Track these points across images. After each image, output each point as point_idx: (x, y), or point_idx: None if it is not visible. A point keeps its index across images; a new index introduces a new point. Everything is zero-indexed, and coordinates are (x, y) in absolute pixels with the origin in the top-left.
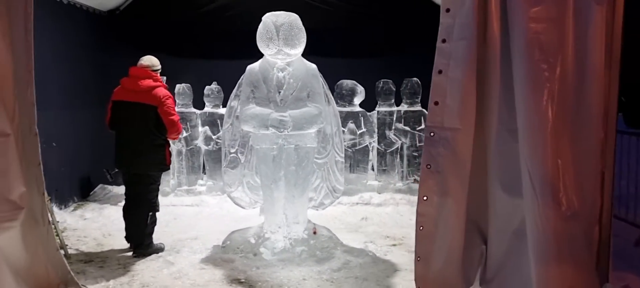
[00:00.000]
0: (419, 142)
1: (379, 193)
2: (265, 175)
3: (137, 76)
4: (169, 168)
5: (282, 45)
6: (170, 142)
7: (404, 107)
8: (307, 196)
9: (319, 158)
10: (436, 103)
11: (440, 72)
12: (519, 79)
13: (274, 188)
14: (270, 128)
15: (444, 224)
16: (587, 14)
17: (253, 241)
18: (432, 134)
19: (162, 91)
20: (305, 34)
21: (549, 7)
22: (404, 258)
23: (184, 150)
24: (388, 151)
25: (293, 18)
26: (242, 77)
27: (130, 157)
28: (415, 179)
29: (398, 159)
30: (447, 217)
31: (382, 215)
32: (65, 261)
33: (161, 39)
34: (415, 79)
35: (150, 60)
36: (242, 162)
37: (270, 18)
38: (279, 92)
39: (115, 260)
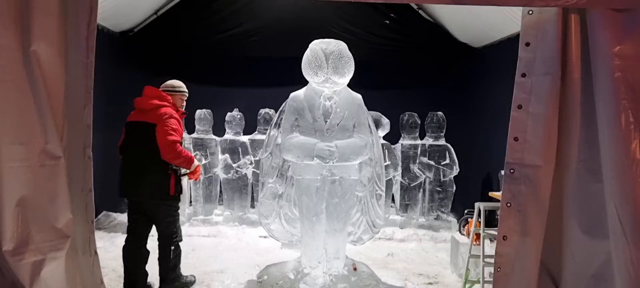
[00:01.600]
0: (443, 177)
1: (402, 229)
2: (307, 207)
3: (147, 95)
4: (173, 198)
5: (331, 74)
6: (182, 169)
7: (428, 141)
8: (347, 230)
9: (359, 191)
10: (516, 139)
11: (519, 107)
12: (605, 118)
13: (316, 221)
14: (316, 158)
15: (522, 265)
16: None
17: (292, 276)
18: (512, 171)
19: (165, 110)
20: (353, 62)
21: (634, 44)
22: None
23: (201, 177)
24: (411, 185)
25: (342, 46)
26: (283, 104)
27: (130, 183)
28: (438, 215)
29: (421, 194)
30: (525, 258)
31: (407, 251)
32: None
33: (177, 63)
34: (440, 112)
35: (172, 82)
36: (279, 193)
37: (319, 45)
38: (326, 121)
39: None
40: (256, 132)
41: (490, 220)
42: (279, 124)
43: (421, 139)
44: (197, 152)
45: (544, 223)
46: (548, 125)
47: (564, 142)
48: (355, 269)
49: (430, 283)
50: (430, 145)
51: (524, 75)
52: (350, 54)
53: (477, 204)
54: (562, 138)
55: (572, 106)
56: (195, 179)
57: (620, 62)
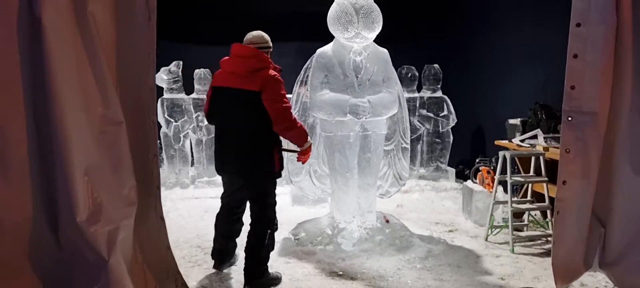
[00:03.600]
0: (441, 128)
1: None
2: (340, 163)
3: (241, 55)
4: (276, 176)
5: (361, 28)
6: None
7: (426, 94)
8: (377, 184)
9: (387, 145)
10: (572, 87)
11: (575, 56)
12: None
13: (350, 176)
14: (349, 114)
15: (578, 208)
16: None
17: (330, 232)
18: (570, 119)
19: (269, 73)
20: (381, 16)
21: None
22: (473, 244)
23: (204, 139)
24: (411, 137)
25: (371, 0)
26: (309, 61)
27: (228, 158)
28: (437, 165)
29: (420, 145)
30: (582, 201)
31: (414, 201)
32: (174, 259)
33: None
34: (436, 65)
35: (260, 35)
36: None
37: (348, 0)
38: (357, 77)
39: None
40: None
41: (504, 167)
42: (306, 81)
43: (418, 91)
44: (198, 113)
45: (597, 167)
46: (604, 73)
47: (616, 88)
48: (387, 221)
49: (451, 231)
50: (429, 98)
51: (578, 24)
52: (378, 7)
53: (501, 153)
54: (615, 84)
55: (623, 52)
56: (304, 162)
57: None
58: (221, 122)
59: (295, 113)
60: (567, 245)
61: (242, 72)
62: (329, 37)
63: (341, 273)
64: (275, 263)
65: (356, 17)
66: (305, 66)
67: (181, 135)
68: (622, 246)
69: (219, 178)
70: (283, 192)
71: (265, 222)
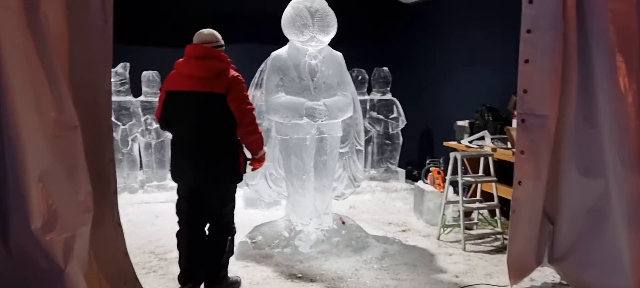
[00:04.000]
0: (391, 130)
1: None
2: (296, 166)
3: (201, 56)
4: (240, 180)
5: (316, 32)
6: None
7: (376, 96)
8: (332, 186)
9: (341, 148)
10: (525, 91)
11: (526, 61)
12: (601, 68)
13: (306, 179)
14: (305, 117)
15: (531, 207)
16: None
17: (287, 234)
18: (523, 121)
19: (232, 74)
20: (336, 20)
21: (622, 1)
22: (426, 243)
23: (153, 142)
24: None
25: (325, 4)
26: (264, 63)
27: (190, 166)
28: (387, 167)
29: (370, 147)
30: (534, 200)
31: (366, 202)
32: (132, 266)
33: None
34: (385, 68)
35: (213, 34)
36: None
37: (303, 3)
38: (312, 80)
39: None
40: None
41: (455, 168)
42: (260, 84)
43: (368, 94)
44: (147, 116)
45: (548, 167)
46: (553, 78)
47: (564, 93)
48: (343, 223)
49: (404, 231)
50: (378, 100)
51: (529, 31)
52: (333, 11)
53: (452, 154)
54: (563, 89)
55: (570, 58)
56: (255, 168)
57: (614, 16)
58: (181, 127)
59: None
60: (521, 242)
61: (204, 75)
62: (283, 40)
63: (300, 275)
64: (233, 267)
65: (311, 20)
66: (260, 69)
67: (129, 139)
68: (569, 242)
69: (169, 183)
70: (236, 195)
71: (227, 229)
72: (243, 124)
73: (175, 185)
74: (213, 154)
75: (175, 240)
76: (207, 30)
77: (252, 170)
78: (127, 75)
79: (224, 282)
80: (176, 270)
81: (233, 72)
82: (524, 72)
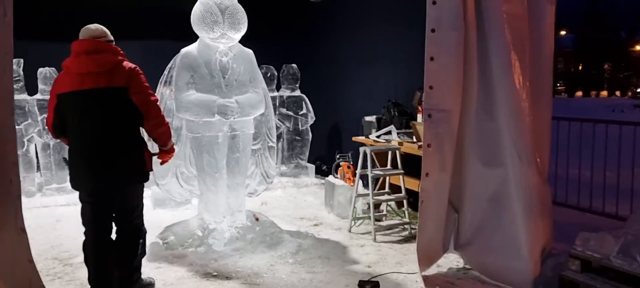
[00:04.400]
0: (301, 126)
1: None
2: (208, 164)
3: (94, 50)
4: (147, 177)
5: (227, 29)
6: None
7: (285, 93)
8: (245, 183)
9: (254, 144)
10: (431, 87)
11: (432, 59)
12: (499, 66)
13: (219, 177)
14: (217, 115)
15: (438, 197)
16: (543, 11)
17: (200, 233)
18: (430, 116)
19: (129, 65)
20: (246, 17)
21: (516, 4)
22: (338, 236)
23: (51, 143)
24: None
25: (235, 1)
26: (173, 60)
27: (95, 167)
28: (297, 162)
29: (280, 143)
30: (441, 191)
31: (277, 198)
32: (38, 273)
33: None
34: (294, 65)
35: (101, 29)
36: (175, 152)
37: (213, 0)
38: (224, 77)
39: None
40: None
41: (365, 162)
42: (169, 82)
43: (278, 90)
44: (45, 115)
45: (452, 159)
46: (456, 75)
47: (466, 89)
48: (257, 219)
49: (316, 225)
50: (288, 97)
51: (433, 30)
52: (243, 8)
53: (362, 148)
54: (465, 85)
55: (470, 57)
56: (165, 161)
57: (509, 18)
58: (79, 131)
59: None
60: (429, 231)
61: (98, 70)
62: (192, 36)
63: (215, 273)
64: (146, 269)
65: (222, 17)
66: (168, 66)
67: (25, 140)
68: (472, 229)
69: (69, 185)
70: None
71: (138, 231)
72: (150, 117)
73: None
74: (118, 154)
75: (79, 245)
76: (94, 25)
77: (161, 163)
78: (21, 72)
79: (138, 285)
80: (83, 275)
81: (129, 64)
82: (429, 69)
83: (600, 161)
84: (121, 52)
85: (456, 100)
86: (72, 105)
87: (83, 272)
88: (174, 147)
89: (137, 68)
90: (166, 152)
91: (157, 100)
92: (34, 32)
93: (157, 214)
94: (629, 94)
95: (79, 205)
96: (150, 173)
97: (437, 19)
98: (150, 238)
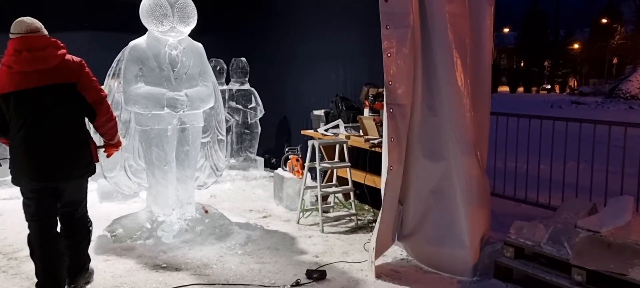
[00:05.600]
0: (250, 120)
1: None
2: (157, 157)
3: (36, 47)
4: (95, 171)
5: (176, 23)
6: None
7: (235, 86)
8: (194, 176)
9: (203, 138)
10: (390, 83)
11: (388, 55)
12: (442, 64)
13: (168, 169)
14: (166, 108)
15: (394, 190)
16: (483, 11)
17: (149, 226)
18: (391, 110)
19: (75, 59)
20: (196, 11)
21: (460, 4)
22: (287, 227)
23: None
24: None
25: None
26: (121, 53)
27: (47, 165)
28: (246, 155)
29: (229, 136)
30: (396, 184)
31: (226, 191)
32: None
33: None
34: (243, 58)
35: (36, 22)
36: (124, 144)
37: None
38: (173, 71)
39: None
40: None
41: (313, 155)
42: (117, 74)
43: (227, 84)
44: None
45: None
46: (408, 71)
47: (414, 84)
48: (206, 212)
49: (265, 217)
50: (237, 90)
51: (387, 27)
52: (192, 2)
53: (311, 142)
54: (413, 81)
55: (416, 54)
56: (111, 154)
57: (451, 18)
58: (26, 130)
59: None
60: (383, 224)
61: (43, 67)
62: (140, 28)
63: (165, 265)
64: (93, 262)
65: (171, 11)
66: (116, 58)
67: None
68: (415, 221)
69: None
70: (89, 189)
71: (86, 221)
72: (101, 114)
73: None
74: (68, 149)
75: (23, 239)
76: (28, 19)
77: (108, 156)
78: None
79: (88, 272)
80: (27, 268)
81: (74, 58)
82: (386, 65)
83: (536, 155)
84: (62, 44)
85: (409, 95)
86: (17, 105)
87: (28, 266)
88: (121, 140)
89: (83, 61)
90: (113, 146)
91: (105, 95)
92: None
93: (104, 207)
94: (567, 90)
95: (19, 199)
96: (97, 164)
97: (388, 16)
98: (98, 232)
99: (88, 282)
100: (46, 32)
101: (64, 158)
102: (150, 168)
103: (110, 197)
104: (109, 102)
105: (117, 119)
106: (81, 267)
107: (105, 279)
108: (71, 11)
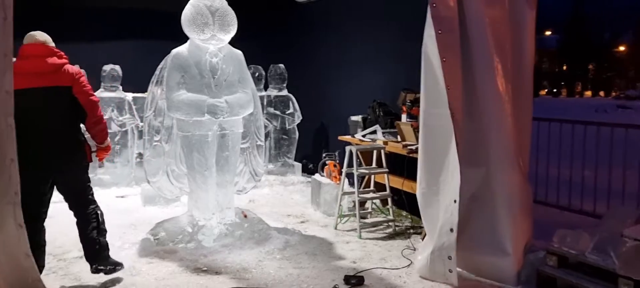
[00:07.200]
0: (288, 125)
1: None
2: (198, 162)
3: (39, 55)
4: (86, 168)
5: (217, 31)
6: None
7: (273, 92)
8: (234, 181)
9: (242, 143)
10: (449, 88)
11: (445, 60)
12: (482, 69)
13: (208, 175)
14: (207, 114)
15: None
16: (524, 15)
17: (190, 229)
18: (453, 115)
19: (73, 68)
20: (236, 19)
21: (501, 9)
22: (324, 232)
23: None
24: None
25: (225, 3)
26: (164, 61)
27: (48, 155)
28: (284, 161)
29: (267, 142)
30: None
31: (264, 196)
32: (36, 267)
33: None
34: (281, 65)
35: (44, 36)
36: (166, 150)
37: (203, 2)
38: (214, 78)
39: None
40: (101, 90)
41: (350, 160)
42: (160, 81)
43: (265, 90)
44: None
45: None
46: (457, 76)
47: None
48: (245, 216)
49: (302, 222)
50: (275, 96)
51: (440, 31)
52: (232, 10)
53: (348, 147)
54: None
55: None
56: (102, 158)
57: (491, 22)
58: (27, 125)
59: (150, 113)
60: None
61: (45, 71)
62: (182, 37)
63: (205, 268)
64: (137, 264)
65: (212, 19)
66: (160, 66)
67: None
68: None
69: None
70: (133, 193)
71: (97, 209)
72: (92, 115)
73: None
74: (66, 141)
75: (72, 240)
76: (38, 33)
77: (99, 160)
78: None
79: (109, 261)
80: (76, 269)
81: (72, 67)
82: (445, 70)
83: (580, 161)
84: (65, 56)
85: (460, 99)
86: (18, 102)
87: (76, 267)
88: (110, 145)
89: (80, 71)
90: (103, 150)
91: (97, 100)
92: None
93: (147, 211)
94: (613, 94)
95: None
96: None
97: (439, 20)
98: (141, 235)
99: (113, 269)
100: (53, 45)
101: (62, 147)
102: (191, 173)
103: (153, 201)
104: (152, 109)
105: (160, 124)
106: (99, 254)
107: (149, 281)
108: (116, 21)
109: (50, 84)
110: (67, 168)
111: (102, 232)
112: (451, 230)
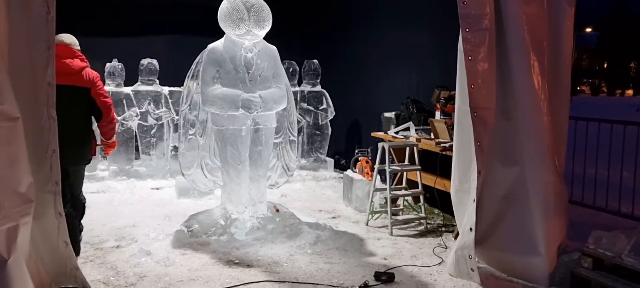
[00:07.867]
0: (321, 121)
1: None
2: (232, 156)
3: (67, 55)
4: (90, 162)
5: (252, 26)
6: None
7: (306, 88)
8: (266, 175)
9: (275, 138)
10: (472, 86)
11: (470, 58)
12: (517, 66)
13: (241, 169)
14: (241, 109)
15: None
16: (562, 12)
17: (223, 222)
18: (475, 114)
19: (93, 72)
20: (271, 14)
21: (537, 4)
22: (356, 228)
23: None
24: None
25: None
26: (200, 55)
27: (67, 151)
28: (317, 156)
29: (300, 137)
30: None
31: (296, 191)
32: (74, 256)
33: None
34: (315, 60)
35: (70, 38)
36: (201, 143)
37: None
38: (248, 73)
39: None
40: (139, 83)
41: (383, 157)
42: (196, 76)
43: (299, 85)
44: None
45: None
46: (488, 73)
47: None
48: (277, 210)
49: (334, 217)
50: (309, 92)
51: (467, 30)
52: (268, 5)
53: (380, 144)
54: None
55: (490, 56)
56: (109, 152)
57: (528, 19)
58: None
59: (185, 107)
60: (480, 229)
61: (70, 71)
62: (217, 31)
63: (237, 261)
64: (171, 255)
65: (247, 14)
66: (195, 61)
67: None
68: (486, 226)
69: (99, 173)
70: (168, 185)
71: (82, 199)
72: (106, 115)
73: (105, 174)
74: (81, 137)
75: (109, 230)
76: (65, 35)
77: (105, 154)
78: None
79: (80, 239)
80: (113, 258)
81: (92, 71)
82: (468, 69)
83: (618, 161)
84: (86, 60)
85: (492, 98)
86: None
87: (113, 256)
88: (115, 142)
89: (98, 75)
90: (110, 146)
91: (111, 102)
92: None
93: (181, 203)
94: None
95: (105, 193)
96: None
97: (468, 19)
98: (175, 226)
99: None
100: (78, 48)
101: (74, 144)
102: (224, 166)
103: (187, 194)
104: (188, 103)
105: (195, 118)
106: (76, 237)
107: (182, 272)
108: (153, 16)
109: (72, 83)
110: (79, 162)
111: (82, 217)
112: (470, 229)
